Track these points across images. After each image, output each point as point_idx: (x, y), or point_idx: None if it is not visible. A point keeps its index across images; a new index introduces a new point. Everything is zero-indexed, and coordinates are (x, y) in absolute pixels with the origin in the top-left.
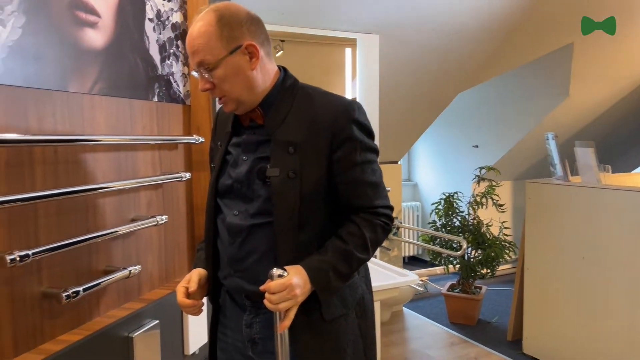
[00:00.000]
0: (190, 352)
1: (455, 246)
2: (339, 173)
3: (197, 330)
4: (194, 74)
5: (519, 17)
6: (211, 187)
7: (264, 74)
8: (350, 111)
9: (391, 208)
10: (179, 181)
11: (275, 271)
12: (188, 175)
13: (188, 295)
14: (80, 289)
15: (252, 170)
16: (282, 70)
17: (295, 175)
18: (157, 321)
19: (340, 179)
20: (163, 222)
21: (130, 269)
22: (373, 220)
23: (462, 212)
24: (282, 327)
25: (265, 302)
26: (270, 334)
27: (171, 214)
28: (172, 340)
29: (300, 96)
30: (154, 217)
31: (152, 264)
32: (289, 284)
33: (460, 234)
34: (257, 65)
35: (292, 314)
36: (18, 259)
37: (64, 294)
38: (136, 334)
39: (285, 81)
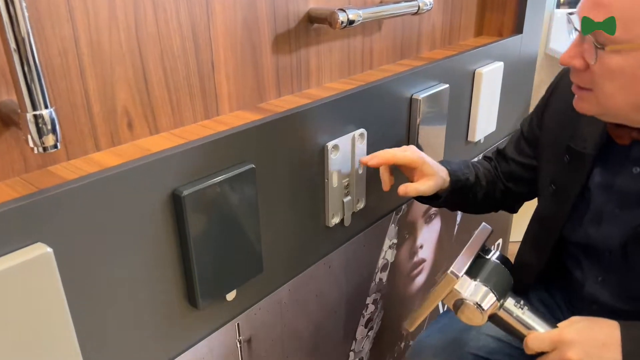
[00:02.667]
0: (475, 140)
1: None
2: None
3: (485, 119)
4: (572, 30)
5: None
6: (549, 219)
7: None
8: None
9: None
10: None
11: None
12: None
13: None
14: (359, 11)
15: (629, 241)
16: None
17: None
18: (447, 85)
19: None
20: None
21: (419, 1)
22: None
23: None
24: None
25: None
26: None
27: None
28: (458, 119)
29: None
30: None
31: (436, 14)
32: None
33: None
34: None
35: None
36: None
37: (340, 14)
38: (422, 95)
39: None
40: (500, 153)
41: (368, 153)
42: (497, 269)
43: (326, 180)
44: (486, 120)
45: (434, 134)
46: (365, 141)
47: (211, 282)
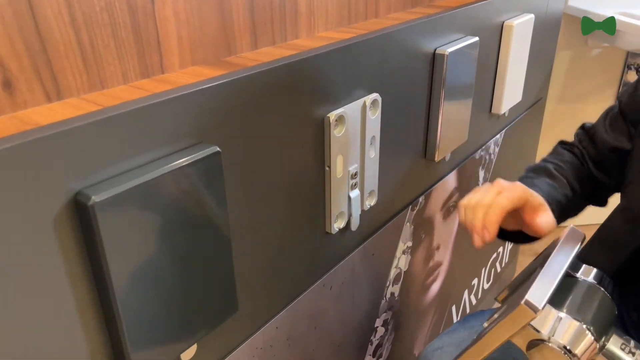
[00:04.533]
0: (501, 112)
1: None
2: None
3: (513, 84)
4: None
5: None
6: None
7: None
8: None
9: None
10: None
11: None
12: None
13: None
14: None
15: None
16: None
17: None
18: (477, 39)
19: None
20: None
21: None
22: None
23: None
24: None
25: None
26: None
27: None
28: (482, 84)
29: None
30: None
31: None
32: None
33: None
34: None
35: None
36: None
37: None
38: (448, 50)
39: None
40: (588, 136)
41: (383, 127)
42: (593, 292)
43: (327, 169)
44: (513, 87)
45: (458, 103)
46: (379, 111)
47: (151, 340)
